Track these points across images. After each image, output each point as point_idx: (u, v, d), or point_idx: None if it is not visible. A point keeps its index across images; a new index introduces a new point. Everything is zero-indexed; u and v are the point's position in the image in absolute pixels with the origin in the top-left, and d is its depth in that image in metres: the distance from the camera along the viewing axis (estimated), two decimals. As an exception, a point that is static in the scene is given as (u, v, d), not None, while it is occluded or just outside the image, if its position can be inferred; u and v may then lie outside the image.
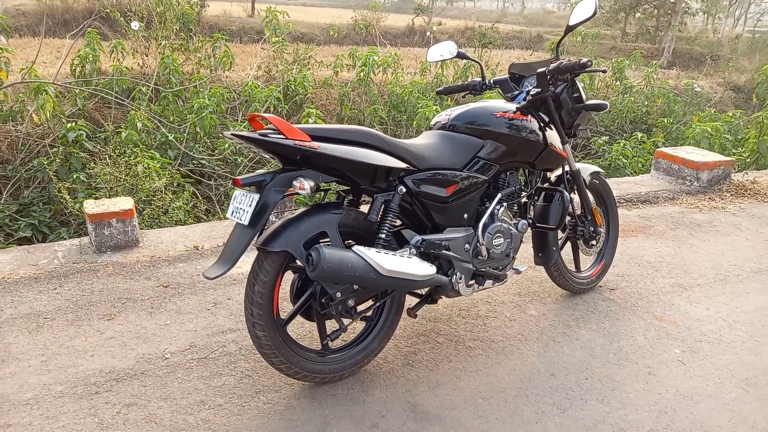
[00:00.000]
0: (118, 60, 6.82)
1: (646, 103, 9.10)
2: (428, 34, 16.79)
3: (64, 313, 2.58)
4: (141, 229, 3.65)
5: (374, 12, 17.36)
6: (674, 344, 2.52)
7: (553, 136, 2.49)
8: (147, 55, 7.28)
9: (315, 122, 5.47)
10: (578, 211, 2.79)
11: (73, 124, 4.83)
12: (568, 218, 2.75)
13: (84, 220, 3.58)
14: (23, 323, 2.50)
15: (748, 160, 6.17)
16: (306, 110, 5.83)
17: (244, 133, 1.80)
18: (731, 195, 4.63)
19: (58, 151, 4.67)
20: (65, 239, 3.80)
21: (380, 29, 15.85)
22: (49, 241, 4.03)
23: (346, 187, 2.12)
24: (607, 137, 7.68)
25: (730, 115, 7.53)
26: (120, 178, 4.34)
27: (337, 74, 8.26)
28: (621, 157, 6.51)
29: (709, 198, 4.54)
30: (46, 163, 4.56)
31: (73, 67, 6.43)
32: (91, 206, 3.20)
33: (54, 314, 2.58)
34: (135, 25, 7.16)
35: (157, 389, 2.10)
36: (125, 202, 3.28)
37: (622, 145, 6.67)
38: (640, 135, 7.25)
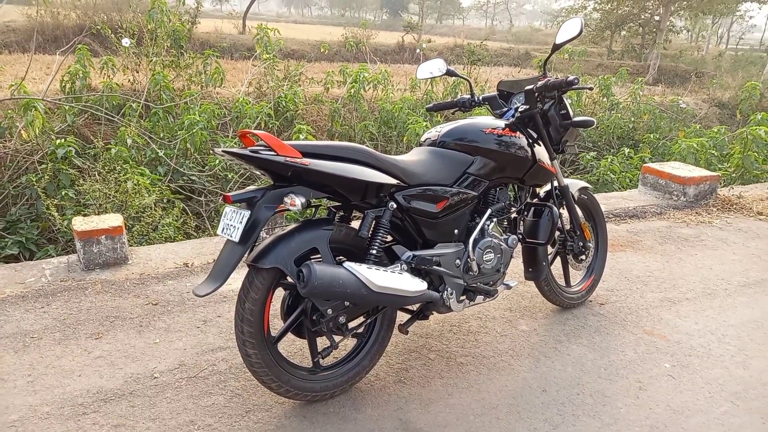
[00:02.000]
0: (109, 76, 6.83)
1: (632, 119, 9.24)
2: (418, 51, 16.97)
3: (52, 332, 2.55)
4: (130, 246, 3.62)
5: (364, 29, 17.54)
6: (664, 359, 2.53)
7: (541, 152, 2.52)
8: (138, 72, 7.29)
9: (306, 138, 5.49)
10: (567, 226, 2.82)
11: (63, 140, 4.81)
12: (557, 233, 2.78)
13: (72, 238, 3.55)
14: (9, 343, 2.46)
15: (734, 175, 6.26)
16: (297, 126, 5.85)
17: (235, 150, 1.80)
18: (717, 210, 4.69)
19: (46, 168, 4.64)
20: (53, 257, 3.76)
21: (370, 46, 16.00)
22: (37, 259, 3.99)
23: (337, 203, 2.12)
24: (595, 153, 7.77)
25: (715, 130, 7.65)
26: (109, 194, 4.32)
27: (328, 90, 8.31)
28: (609, 172, 6.58)
29: (696, 213, 4.59)
30: (34, 179, 4.53)
31: (63, 84, 6.42)
32: (79, 223, 3.18)
33: (41, 333, 2.54)
34: (126, 41, 7.18)
35: (145, 409, 2.07)
36: (114, 219, 3.26)
37: (609, 160, 6.75)
38: (627, 151, 7.34)
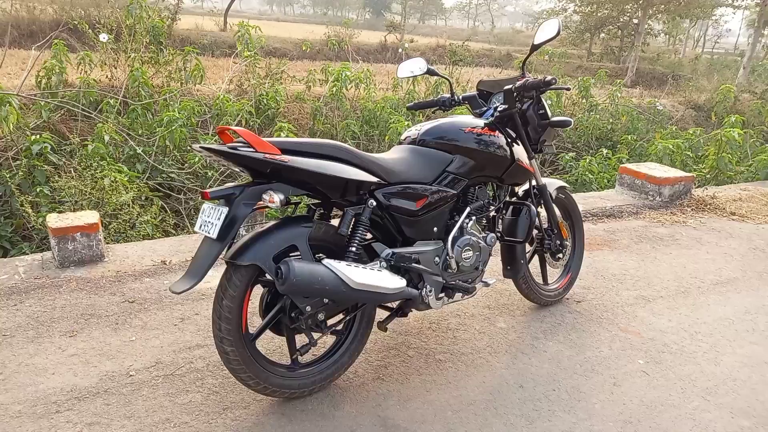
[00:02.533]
0: (86, 72, 6.71)
1: (610, 120, 9.37)
2: (400, 51, 17.00)
3: (25, 330, 2.50)
4: (107, 243, 3.57)
5: (347, 29, 17.51)
6: (638, 355, 2.58)
7: (519, 151, 2.54)
8: (116, 68, 7.17)
9: (287, 136, 5.47)
10: (545, 225, 2.85)
11: (38, 136, 4.72)
12: (535, 232, 2.81)
13: (47, 235, 3.49)
14: (-20, 341, 2.41)
15: (708, 176, 6.40)
16: (278, 124, 5.83)
17: (214, 146, 1.79)
18: (692, 210, 4.79)
19: (21, 164, 4.55)
20: (27, 254, 3.69)
21: (353, 45, 15.97)
22: (10, 257, 3.91)
23: (316, 201, 2.12)
24: (574, 153, 7.87)
25: (691, 132, 7.81)
26: (85, 191, 4.25)
27: (310, 89, 8.28)
28: (587, 172, 6.67)
29: (671, 212, 4.68)
30: (8, 176, 4.44)
31: (39, 79, 6.29)
32: (54, 220, 3.13)
33: (13, 331, 2.49)
34: (104, 37, 7.06)
35: (120, 407, 2.04)
36: (90, 216, 3.21)
37: (588, 161, 6.85)
38: (605, 151, 7.45)
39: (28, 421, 1.96)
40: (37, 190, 4.36)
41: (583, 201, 4.73)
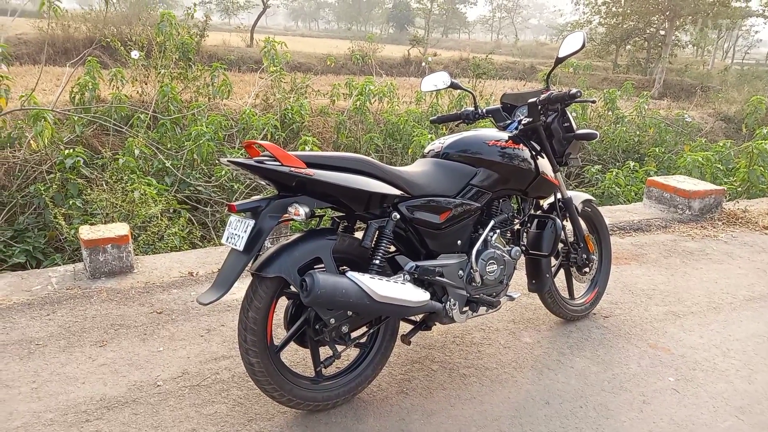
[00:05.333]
0: (118, 88, 6.91)
1: (637, 132, 9.24)
2: (423, 64, 17.08)
3: (57, 340, 2.57)
4: (136, 255, 3.65)
5: (371, 43, 17.68)
6: (668, 372, 2.51)
7: (544, 164, 2.53)
8: (146, 84, 7.37)
9: (311, 150, 5.53)
10: (571, 239, 2.82)
11: (71, 150, 4.87)
12: (560, 245, 2.78)
13: (79, 246, 3.58)
14: (15, 349, 2.48)
15: (739, 189, 6.25)
16: (303, 138, 5.90)
17: (241, 160, 1.83)
18: (723, 223, 4.68)
19: (54, 178, 4.69)
20: (59, 265, 3.79)
21: (376, 60, 16.12)
22: (43, 267, 4.02)
23: (340, 214, 2.14)
24: (600, 166, 7.77)
25: (721, 144, 7.65)
26: (116, 204, 4.36)
27: (334, 103, 8.37)
28: (614, 185, 6.58)
29: (701, 226, 4.58)
30: (42, 189, 4.58)
31: (73, 95, 6.50)
32: (86, 232, 3.21)
33: (46, 341, 2.56)
34: (135, 54, 7.27)
35: (148, 417, 2.08)
36: (121, 228, 3.29)
37: (614, 174, 6.75)
38: (632, 164, 7.34)
39: (60, 429, 2.00)
40: (70, 202, 4.48)
41: (610, 214, 4.66)
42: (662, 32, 23.31)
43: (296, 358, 2.46)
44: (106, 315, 2.80)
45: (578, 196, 2.84)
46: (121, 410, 2.11)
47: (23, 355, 2.44)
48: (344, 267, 2.05)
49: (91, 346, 2.53)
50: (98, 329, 2.67)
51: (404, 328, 2.31)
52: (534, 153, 2.48)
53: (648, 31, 24.38)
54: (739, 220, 4.75)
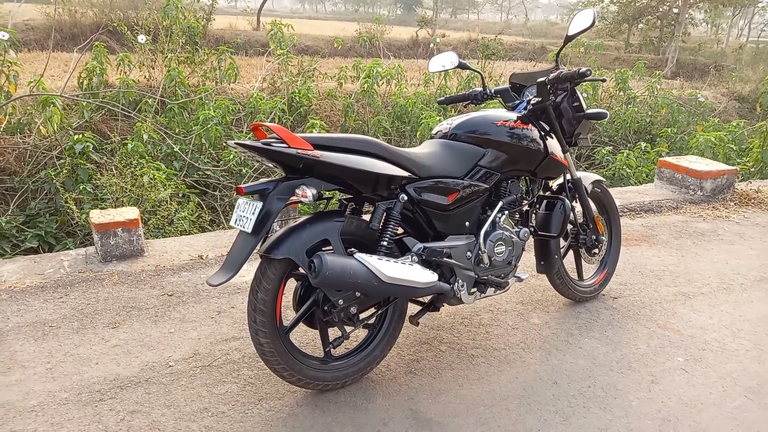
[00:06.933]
0: (125, 73, 6.90)
1: (649, 113, 9.11)
2: (432, 46, 16.90)
3: (70, 322, 2.61)
4: (146, 238, 3.68)
5: (378, 25, 17.49)
6: (677, 352, 2.51)
7: (553, 144, 2.51)
8: (153, 68, 7.36)
9: (319, 132, 5.51)
10: (580, 220, 2.80)
11: (80, 136, 4.89)
12: (569, 226, 2.76)
13: (90, 231, 3.62)
14: (29, 331, 2.52)
15: (752, 169, 6.16)
16: (310, 121, 5.88)
17: (248, 142, 1.83)
18: (735, 204, 4.63)
19: (65, 163, 4.72)
20: (71, 249, 3.83)
21: (384, 41, 15.97)
22: (56, 251, 4.06)
23: (348, 196, 2.14)
24: (611, 147, 7.68)
25: (734, 124, 7.52)
26: (126, 188, 4.38)
27: (342, 86, 8.31)
28: (625, 166, 6.51)
29: (713, 207, 4.53)
30: (53, 174, 4.61)
31: (81, 80, 6.50)
32: (97, 216, 3.24)
33: (59, 322, 2.60)
34: (142, 38, 7.25)
35: (160, 396, 2.11)
36: (131, 212, 3.31)
37: (625, 155, 6.68)
38: (643, 145, 7.25)
39: (74, 408, 2.04)
40: (80, 187, 4.51)
41: (620, 196, 4.62)
42: (675, 10, 22.87)
43: (305, 339, 2.48)
44: (117, 297, 2.84)
45: (588, 177, 2.81)
46: (134, 389, 2.14)
47: (37, 337, 2.48)
48: (352, 249, 2.06)
49: (103, 328, 2.56)
50: (110, 311, 2.71)
51: (413, 309, 2.32)
52: (543, 133, 2.45)
53: (661, 9, 23.92)
54: (752, 201, 4.69)
